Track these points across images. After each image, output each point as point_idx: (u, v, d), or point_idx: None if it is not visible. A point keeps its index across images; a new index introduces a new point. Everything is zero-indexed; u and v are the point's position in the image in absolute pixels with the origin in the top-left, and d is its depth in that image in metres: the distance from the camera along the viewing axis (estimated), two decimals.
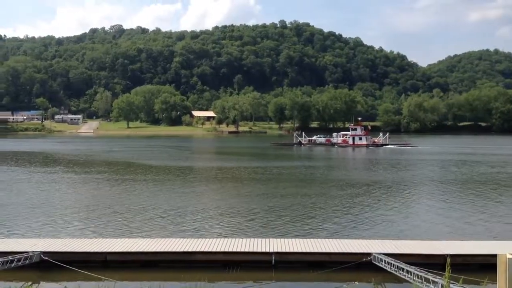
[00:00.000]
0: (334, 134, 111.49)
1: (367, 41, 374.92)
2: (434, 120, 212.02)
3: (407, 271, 15.31)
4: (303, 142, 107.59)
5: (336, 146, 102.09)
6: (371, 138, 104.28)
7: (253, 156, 78.25)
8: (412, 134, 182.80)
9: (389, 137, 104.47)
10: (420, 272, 14.71)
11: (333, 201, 31.65)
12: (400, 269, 15.63)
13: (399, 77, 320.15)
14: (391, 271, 15.95)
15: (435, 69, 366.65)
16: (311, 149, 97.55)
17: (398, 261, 15.99)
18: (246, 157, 76.29)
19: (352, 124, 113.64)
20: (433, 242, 19.22)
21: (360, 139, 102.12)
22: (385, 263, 16.34)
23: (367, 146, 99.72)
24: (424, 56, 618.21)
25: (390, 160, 67.58)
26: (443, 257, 16.62)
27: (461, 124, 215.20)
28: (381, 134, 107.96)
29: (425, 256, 17.28)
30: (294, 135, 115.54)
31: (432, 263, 16.37)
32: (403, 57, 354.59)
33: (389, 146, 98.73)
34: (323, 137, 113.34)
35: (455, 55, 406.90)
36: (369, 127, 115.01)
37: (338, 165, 62.51)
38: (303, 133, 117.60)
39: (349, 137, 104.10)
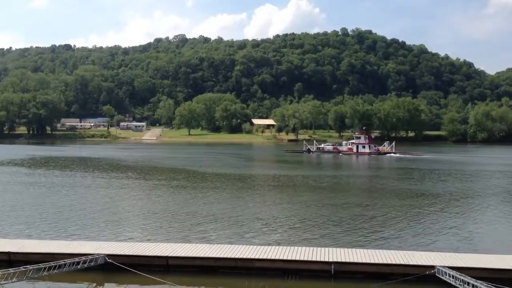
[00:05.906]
0: (344, 143, 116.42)
1: (431, 49, 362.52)
2: (503, 130, 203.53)
3: (473, 286, 14.74)
4: (311, 149, 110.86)
5: (341, 154, 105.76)
6: (374, 146, 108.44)
7: (309, 164, 77.83)
8: (479, 144, 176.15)
9: (395, 146, 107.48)
10: (487, 287, 14.14)
11: (392, 211, 30.95)
12: (465, 283, 15.07)
13: (465, 85, 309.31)
14: (456, 285, 15.40)
15: (504, 77, 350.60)
16: (318, 156, 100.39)
17: (464, 275, 15.42)
18: (303, 165, 75.93)
19: (357, 133, 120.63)
20: (501, 256, 18.40)
21: (364, 147, 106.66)
22: (450, 276, 15.78)
23: (369, 154, 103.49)
24: (492, 63, 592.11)
25: (397, 168, 65.30)
26: None
27: None
28: (386, 143, 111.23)
29: (492, 270, 16.54)
30: (304, 142, 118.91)
31: (500, 278, 15.69)
32: (470, 65, 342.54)
33: (395, 155, 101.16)
34: (331, 145, 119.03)
35: None
36: (373, 136, 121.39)
37: (387, 175, 60.95)
38: (315, 141, 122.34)
39: (353, 145, 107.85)
